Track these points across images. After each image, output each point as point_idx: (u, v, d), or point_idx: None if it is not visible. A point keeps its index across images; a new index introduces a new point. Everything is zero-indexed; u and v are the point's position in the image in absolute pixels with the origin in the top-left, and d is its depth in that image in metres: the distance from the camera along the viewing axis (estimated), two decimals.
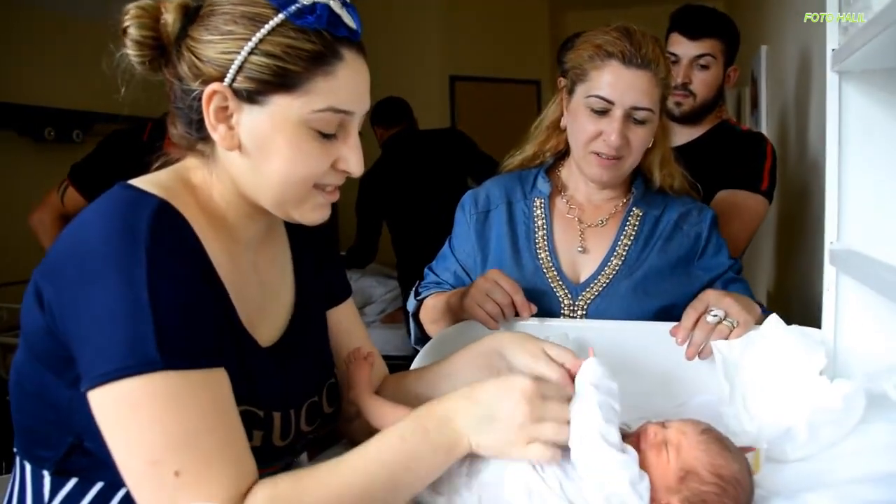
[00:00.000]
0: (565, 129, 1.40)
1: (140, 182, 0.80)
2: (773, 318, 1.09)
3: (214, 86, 0.77)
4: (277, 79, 0.77)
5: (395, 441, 0.78)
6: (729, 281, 1.36)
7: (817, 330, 1.14)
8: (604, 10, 4.97)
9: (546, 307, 1.33)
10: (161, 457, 0.68)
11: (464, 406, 0.80)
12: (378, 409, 0.94)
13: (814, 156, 2.09)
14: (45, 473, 0.80)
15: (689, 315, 1.16)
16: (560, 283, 1.36)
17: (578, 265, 1.38)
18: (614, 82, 1.26)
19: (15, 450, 0.84)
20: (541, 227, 1.40)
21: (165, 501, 0.68)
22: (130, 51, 0.80)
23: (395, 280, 3.45)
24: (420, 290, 1.48)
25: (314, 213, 0.86)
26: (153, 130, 2.23)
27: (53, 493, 0.80)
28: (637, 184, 1.41)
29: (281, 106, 0.78)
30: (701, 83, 1.89)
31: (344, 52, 0.80)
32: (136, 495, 0.70)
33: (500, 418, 0.79)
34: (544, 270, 1.37)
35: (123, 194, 0.77)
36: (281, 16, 0.77)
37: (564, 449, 0.81)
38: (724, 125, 1.96)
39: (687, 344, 1.16)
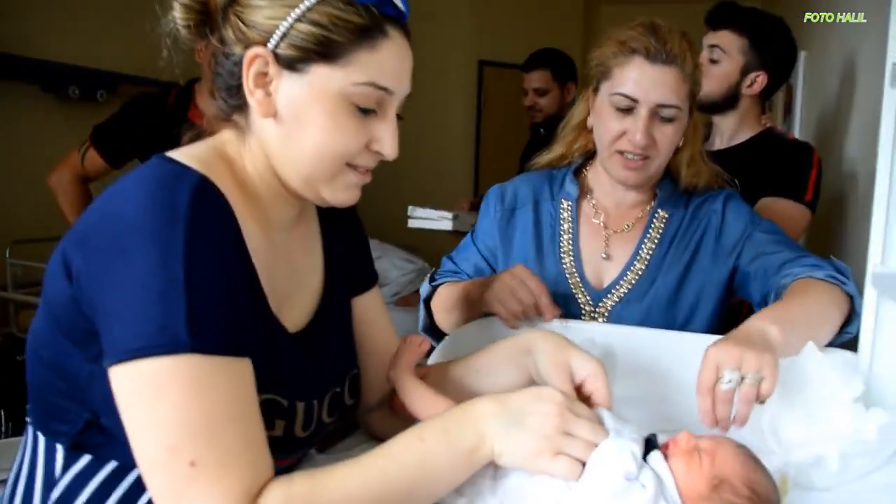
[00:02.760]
0: (592, 130, 1.36)
1: (178, 155, 0.78)
2: (810, 346, 1.04)
3: (257, 49, 0.77)
4: (321, 48, 0.76)
5: (415, 441, 0.75)
6: (757, 232, 1.31)
7: (853, 354, 1.10)
8: (639, 5, 4.90)
9: (567, 312, 1.30)
10: (179, 444, 0.65)
11: (491, 409, 0.77)
12: (416, 393, 0.91)
13: (852, 166, 2.04)
14: (59, 447, 0.78)
15: (702, 392, 0.92)
16: (582, 288, 1.34)
17: (602, 271, 1.36)
18: (639, 79, 1.21)
19: (28, 419, 0.82)
20: (566, 231, 1.38)
21: (177, 490, 0.65)
22: (177, 13, 0.80)
23: (412, 263, 3.43)
24: (436, 276, 1.44)
25: (345, 193, 0.84)
26: (179, 96, 2.20)
27: (65, 469, 0.77)
28: (663, 185, 1.37)
29: (321, 76, 0.77)
30: (707, 75, 1.79)
31: (389, 30, 0.79)
32: (147, 478, 0.67)
33: (528, 426, 0.76)
34: (567, 276, 1.35)
35: (163, 167, 0.75)
36: None
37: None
38: (769, 133, 1.90)
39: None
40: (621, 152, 1.26)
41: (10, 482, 0.83)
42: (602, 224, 1.37)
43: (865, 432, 0.90)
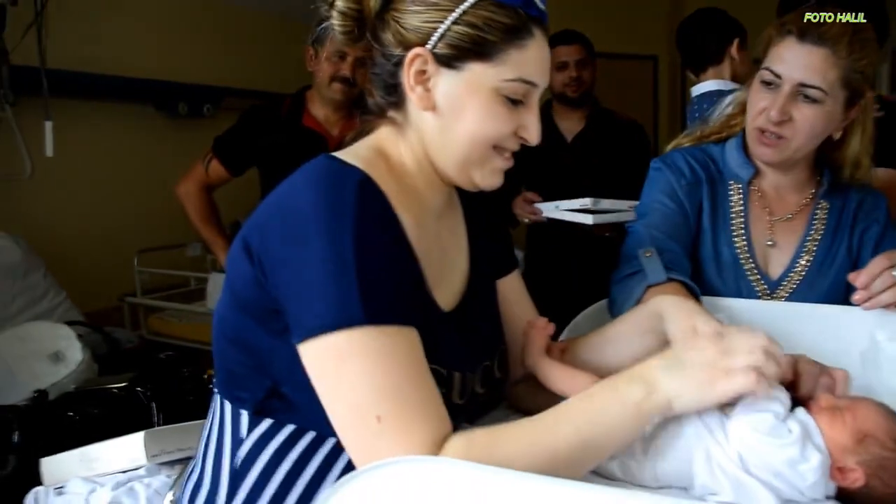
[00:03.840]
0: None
1: (341, 154, 0.88)
2: None
3: (417, 50, 0.86)
4: (476, 47, 0.85)
5: (584, 401, 0.80)
6: None
7: None
8: None
9: (744, 298, 1.30)
10: (364, 404, 0.74)
11: (654, 362, 0.81)
12: (555, 373, 0.97)
13: None
14: (244, 413, 0.88)
15: (878, 263, 1.16)
16: (758, 276, 1.33)
17: (769, 259, 1.35)
18: (786, 56, 1.23)
19: (215, 389, 0.93)
20: (738, 214, 1.36)
21: (368, 445, 0.74)
22: (335, 21, 0.90)
23: None
24: (665, 264, 1.21)
25: (493, 177, 0.92)
26: (292, 105, 2.33)
27: (250, 431, 0.87)
28: (826, 175, 1.36)
29: (476, 73, 0.85)
30: None
31: (534, 30, 0.87)
32: (342, 439, 0.77)
33: (688, 362, 0.80)
34: (741, 261, 1.34)
35: (329, 165, 0.83)
36: None
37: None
38: (877, 100, 1.85)
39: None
40: (760, 129, 1.27)
41: (202, 444, 0.94)
42: (767, 209, 1.37)
43: None
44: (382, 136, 0.94)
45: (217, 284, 2.91)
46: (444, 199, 0.97)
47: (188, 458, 1.53)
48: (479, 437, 0.76)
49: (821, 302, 1.28)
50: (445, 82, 0.86)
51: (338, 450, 0.82)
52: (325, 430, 0.80)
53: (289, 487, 0.84)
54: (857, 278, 1.15)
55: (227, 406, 0.90)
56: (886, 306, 1.14)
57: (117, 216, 3.48)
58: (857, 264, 1.31)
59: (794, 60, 1.22)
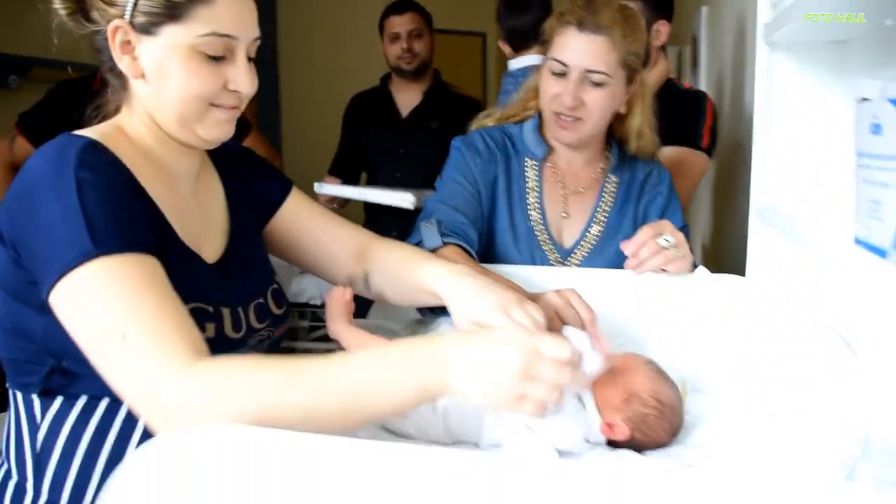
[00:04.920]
0: None
1: (79, 131, 0.91)
2: (701, 269, 1.21)
3: (116, 22, 0.89)
4: (167, 10, 0.89)
5: (374, 361, 0.77)
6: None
7: (742, 278, 1.26)
8: None
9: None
10: (110, 326, 0.75)
11: (456, 351, 0.77)
12: (354, 340, 1.01)
13: (749, 115, 2.21)
14: (34, 397, 0.88)
15: (645, 232, 1.26)
16: (551, 245, 1.43)
17: (563, 229, 1.46)
18: (570, 46, 1.33)
19: (7, 385, 0.91)
20: (533, 189, 1.46)
21: (121, 366, 0.75)
22: (57, 4, 0.92)
23: None
24: (441, 227, 1.32)
25: (216, 129, 0.95)
26: (103, 78, 2.21)
27: (43, 413, 0.88)
28: (613, 151, 1.48)
29: (171, 34, 0.89)
30: None
31: None
32: (100, 371, 0.77)
33: (492, 375, 0.76)
34: (536, 232, 1.44)
35: (61, 138, 0.87)
36: None
37: None
38: (667, 83, 2.01)
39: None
40: (556, 113, 1.38)
41: (4, 441, 0.93)
42: (560, 183, 1.47)
43: (753, 339, 1.06)
44: (122, 113, 0.97)
45: None
46: (193, 163, 1.01)
47: None
48: (242, 359, 0.76)
49: (609, 268, 1.40)
50: (147, 49, 0.90)
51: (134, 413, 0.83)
52: (116, 394, 0.79)
53: (93, 461, 0.86)
54: (627, 247, 1.27)
55: (19, 396, 0.90)
56: (655, 270, 1.26)
57: None
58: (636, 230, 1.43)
59: (578, 49, 1.33)
